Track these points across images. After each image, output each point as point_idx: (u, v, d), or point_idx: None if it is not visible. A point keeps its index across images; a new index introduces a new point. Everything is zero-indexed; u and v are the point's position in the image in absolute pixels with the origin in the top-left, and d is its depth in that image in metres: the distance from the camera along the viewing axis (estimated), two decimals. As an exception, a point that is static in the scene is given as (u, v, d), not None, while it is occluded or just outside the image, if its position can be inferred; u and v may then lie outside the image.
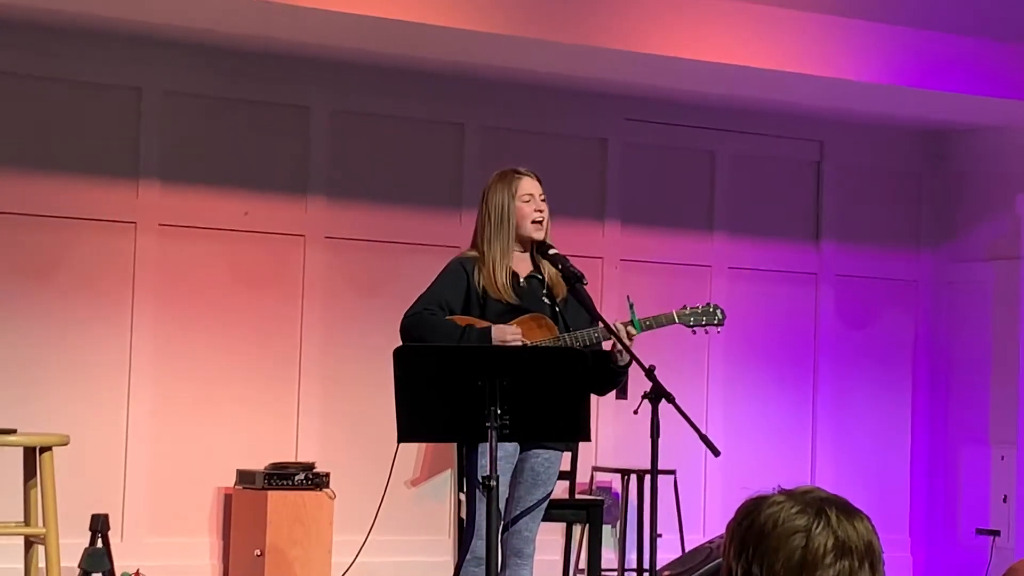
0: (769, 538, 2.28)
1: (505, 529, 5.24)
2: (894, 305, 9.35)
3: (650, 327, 5.38)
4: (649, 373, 4.96)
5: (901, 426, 9.33)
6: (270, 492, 7.23)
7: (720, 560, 4.34)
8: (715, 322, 5.54)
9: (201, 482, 7.56)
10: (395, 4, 6.92)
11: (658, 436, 5.02)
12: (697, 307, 5.54)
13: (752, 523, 2.31)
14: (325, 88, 7.87)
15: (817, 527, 2.28)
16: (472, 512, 5.18)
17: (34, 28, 7.21)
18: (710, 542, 6.98)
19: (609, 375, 5.30)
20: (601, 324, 5.25)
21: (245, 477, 7.40)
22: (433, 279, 5.42)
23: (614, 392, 5.81)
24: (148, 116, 7.53)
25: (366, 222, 7.98)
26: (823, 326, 9.13)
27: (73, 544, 6.58)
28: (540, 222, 5.39)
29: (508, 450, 5.18)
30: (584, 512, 6.60)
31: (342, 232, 7.93)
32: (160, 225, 7.54)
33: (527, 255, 5.43)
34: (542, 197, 5.42)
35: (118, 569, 6.82)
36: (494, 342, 5.14)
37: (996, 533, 8.86)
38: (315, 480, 7.34)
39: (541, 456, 5.29)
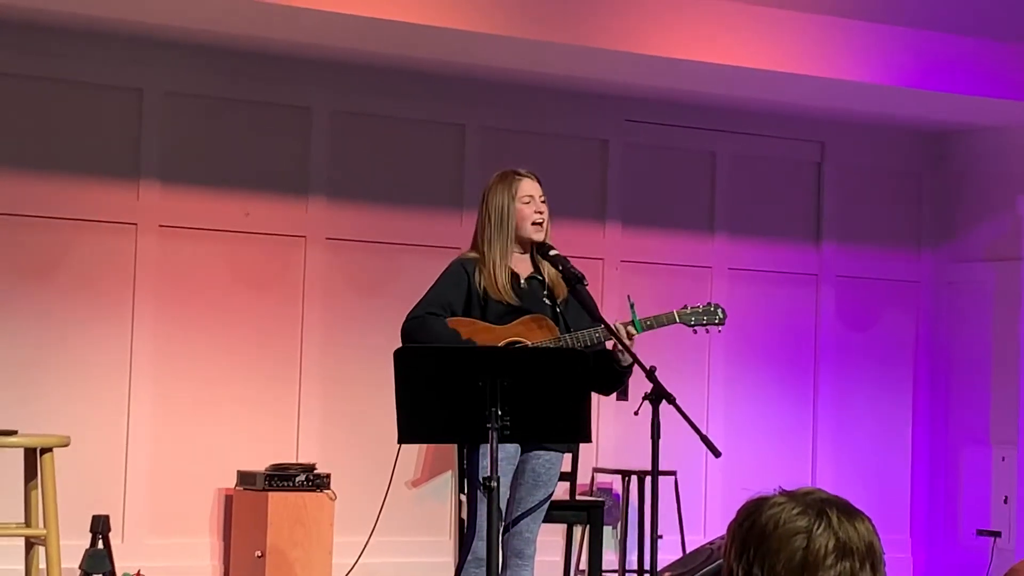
0: (770, 539, 2.28)
1: (506, 530, 5.24)
2: (895, 306, 9.35)
3: (651, 327, 5.38)
4: (650, 374, 4.96)
5: (902, 427, 9.33)
6: (271, 493, 7.23)
7: (721, 561, 4.34)
8: (716, 321, 5.54)
9: (202, 483, 7.56)
10: (396, 5, 6.92)
11: (659, 437, 5.02)
12: (698, 307, 5.55)
13: (753, 524, 2.31)
14: (326, 89, 7.87)
15: (818, 528, 2.27)
16: (473, 513, 5.18)
17: (34, 29, 7.21)
18: (711, 543, 6.98)
19: (613, 374, 5.31)
20: (602, 325, 5.25)
21: (246, 478, 7.40)
22: (434, 281, 5.42)
23: (614, 393, 5.81)
24: (149, 117, 7.53)
25: (367, 223, 7.98)
26: (823, 327, 9.13)
27: (74, 545, 6.58)
28: (540, 223, 5.39)
29: (509, 451, 5.18)
30: (585, 513, 6.60)
31: (343, 233, 7.93)
32: (161, 226, 7.54)
33: (527, 256, 5.43)
34: (542, 198, 5.42)
35: (119, 570, 6.82)
36: None
37: (997, 534, 8.85)
38: (316, 481, 7.34)
39: (542, 457, 5.30)
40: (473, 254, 5.41)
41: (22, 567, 6.24)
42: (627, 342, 5.21)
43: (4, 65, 7.23)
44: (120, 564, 6.87)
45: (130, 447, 7.44)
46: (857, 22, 7.92)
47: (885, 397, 9.28)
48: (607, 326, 5.23)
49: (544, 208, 5.42)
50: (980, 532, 8.94)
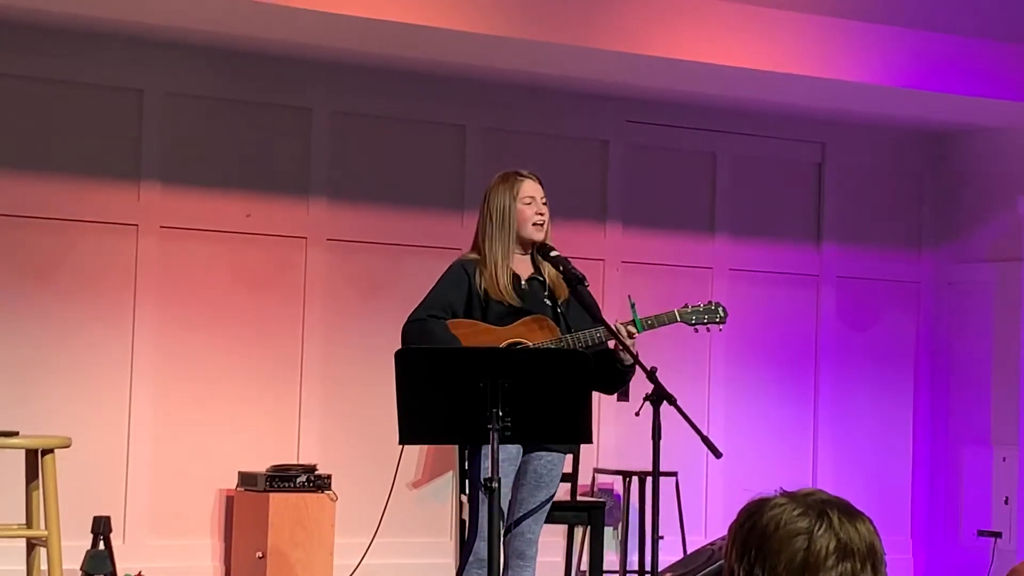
0: (771, 540, 2.28)
1: (508, 531, 5.24)
2: (895, 306, 9.35)
3: (652, 326, 5.38)
4: (651, 375, 4.96)
5: (902, 427, 9.33)
6: (272, 494, 7.23)
7: (722, 562, 4.34)
8: (717, 320, 5.53)
9: (203, 484, 7.56)
10: (396, 6, 6.93)
11: (659, 438, 5.02)
12: (699, 305, 5.54)
13: (754, 525, 2.31)
14: (327, 90, 7.87)
15: (819, 529, 2.28)
16: (474, 514, 5.19)
17: (35, 30, 7.21)
18: (712, 544, 6.97)
19: (616, 373, 5.31)
20: (603, 325, 5.25)
21: (247, 479, 7.40)
22: (435, 282, 5.42)
23: (615, 394, 5.82)
24: (149, 118, 7.53)
25: (368, 224, 7.98)
26: (824, 327, 9.13)
27: (75, 546, 6.58)
28: (541, 224, 5.39)
29: (511, 452, 5.18)
30: (586, 514, 6.60)
31: (344, 234, 7.93)
32: (161, 227, 7.54)
33: (528, 257, 5.44)
34: (543, 200, 5.43)
35: (120, 571, 6.82)
36: None
37: (997, 535, 8.85)
38: (317, 482, 7.34)
39: (544, 458, 5.30)
40: (474, 255, 5.41)
41: (23, 568, 6.24)
42: (628, 342, 5.21)
43: (4, 66, 7.23)
44: (121, 565, 6.87)
45: (131, 448, 7.44)
46: (857, 23, 7.92)
47: (886, 398, 9.28)
48: (608, 327, 5.23)
49: (545, 209, 5.42)
50: (981, 533, 8.94)
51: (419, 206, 8.08)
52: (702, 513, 8.63)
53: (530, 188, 5.41)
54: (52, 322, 7.31)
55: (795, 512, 2.29)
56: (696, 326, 5.54)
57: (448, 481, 7.97)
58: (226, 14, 6.92)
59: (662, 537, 5.60)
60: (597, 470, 8.27)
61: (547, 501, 5.32)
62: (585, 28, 7.33)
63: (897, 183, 9.40)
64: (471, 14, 7.08)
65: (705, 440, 4.92)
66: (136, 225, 7.49)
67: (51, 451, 5.87)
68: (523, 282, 5.38)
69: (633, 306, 5.32)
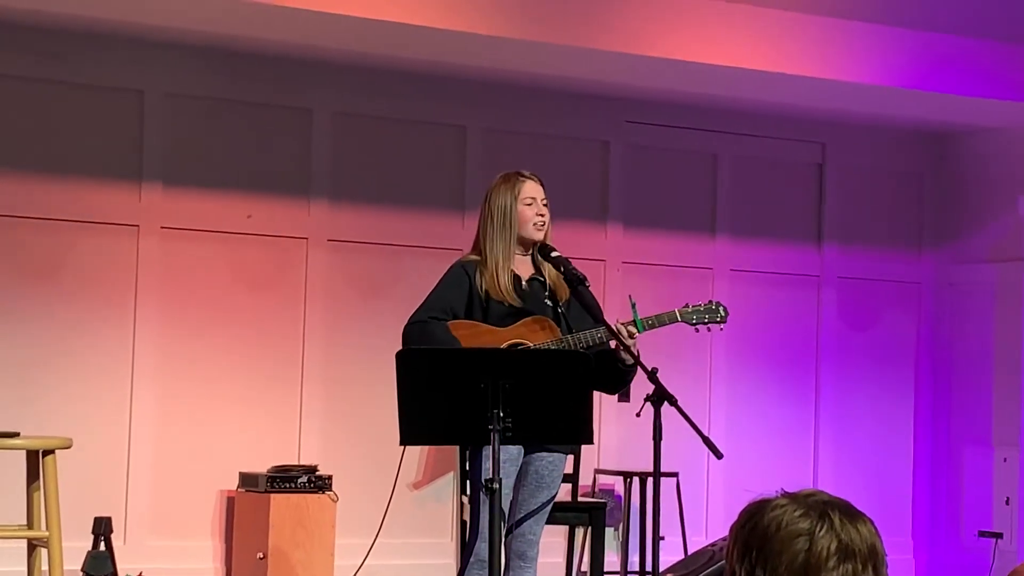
0: (772, 541, 2.28)
1: (509, 532, 5.24)
2: (896, 307, 9.35)
3: (653, 326, 5.38)
4: (652, 376, 4.96)
5: (903, 428, 9.33)
6: (272, 495, 7.23)
7: (723, 563, 4.34)
8: (718, 319, 5.53)
9: (203, 485, 7.56)
10: (397, 7, 6.93)
11: (660, 438, 5.02)
12: (700, 305, 5.54)
13: (755, 526, 2.31)
14: (327, 90, 7.87)
15: (820, 530, 2.28)
16: (475, 515, 5.19)
17: (36, 31, 7.21)
18: (713, 544, 6.97)
19: (617, 373, 5.30)
20: (604, 326, 5.25)
21: (247, 480, 7.40)
22: (435, 284, 5.42)
23: (616, 394, 5.82)
24: (150, 119, 7.53)
25: (369, 224, 7.98)
26: (825, 328, 9.13)
27: (76, 547, 6.58)
28: (542, 225, 5.39)
29: (512, 453, 5.18)
30: (587, 515, 6.60)
31: (345, 235, 7.93)
32: (162, 228, 7.54)
33: (529, 258, 5.44)
34: (544, 201, 5.43)
35: (121, 572, 6.82)
36: None
37: (999, 535, 8.85)
38: (317, 483, 7.34)
39: (545, 459, 5.30)
40: (474, 256, 5.41)
41: (24, 569, 6.24)
42: (629, 342, 5.21)
43: (5, 67, 7.23)
44: (122, 566, 6.87)
45: (132, 449, 7.44)
46: (858, 23, 7.92)
47: (887, 398, 9.28)
48: (608, 327, 5.23)
49: (546, 210, 5.42)
50: (982, 533, 8.94)
51: (420, 207, 8.08)
52: (703, 514, 8.63)
53: (531, 189, 5.41)
54: (53, 323, 7.31)
55: (796, 513, 2.29)
56: (697, 326, 5.54)
57: (449, 482, 7.97)
58: (227, 15, 6.92)
59: (663, 538, 5.60)
60: (598, 471, 8.26)
61: (548, 502, 5.32)
62: (585, 29, 7.33)
63: (898, 184, 9.40)
64: (471, 15, 7.08)
65: (706, 441, 4.92)
66: (137, 226, 7.49)
67: (52, 452, 5.86)
68: (524, 283, 5.38)
69: (634, 306, 5.31)
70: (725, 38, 7.62)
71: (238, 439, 7.62)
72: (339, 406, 7.86)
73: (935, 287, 9.41)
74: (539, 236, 5.39)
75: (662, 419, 5.00)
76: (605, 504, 6.81)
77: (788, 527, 2.28)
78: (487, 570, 4.76)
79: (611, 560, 7.86)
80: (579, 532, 7.53)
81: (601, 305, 5.55)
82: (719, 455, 4.93)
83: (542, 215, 5.40)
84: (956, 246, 9.35)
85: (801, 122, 8.97)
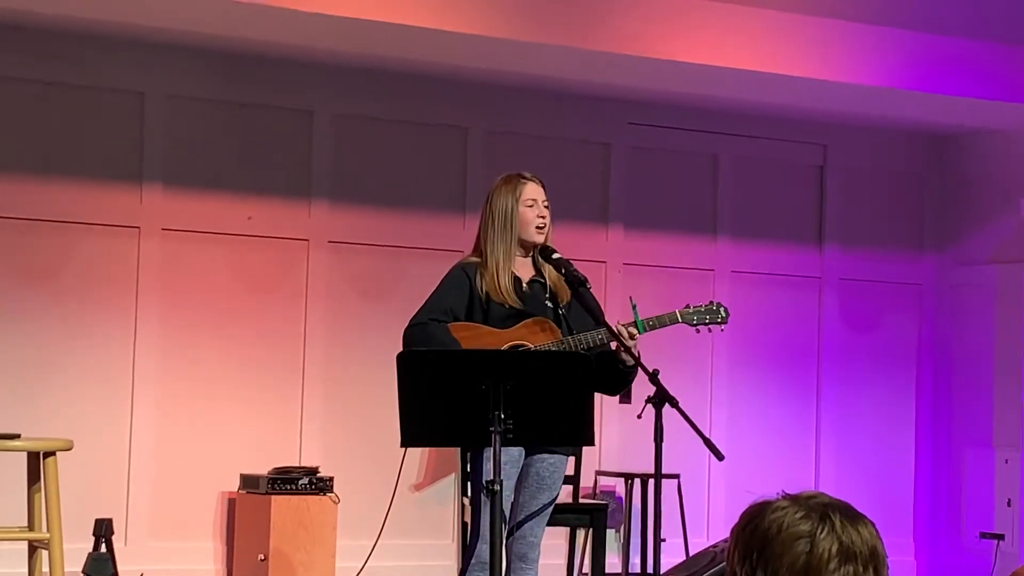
0: (773, 543, 2.28)
1: (510, 534, 5.24)
2: (897, 309, 9.35)
3: (653, 327, 5.38)
4: (653, 377, 4.96)
5: (905, 430, 9.33)
6: (274, 496, 7.23)
7: (724, 564, 4.33)
8: (719, 320, 5.53)
9: (205, 486, 7.56)
10: (398, 8, 6.92)
11: (662, 440, 5.02)
12: (700, 306, 5.54)
13: (756, 528, 2.31)
14: (328, 92, 7.87)
15: (821, 532, 2.27)
16: (476, 517, 5.18)
17: (37, 32, 7.21)
18: (714, 546, 6.97)
19: (618, 374, 5.30)
20: (604, 327, 5.25)
21: (249, 481, 7.40)
22: (435, 286, 5.42)
23: (617, 396, 5.81)
24: (151, 120, 7.53)
25: (369, 226, 7.98)
26: (826, 330, 9.13)
27: (77, 549, 6.57)
28: (543, 227, 5.39)
29: (513, 455, 5.18)
30: (588, 516, 6.60)
31: (345, 236, 7.93)
32: (163, 229, 7.54)
33: (529, 260, 5.43)
34: (545, 203, 5.43)
35: (122, 574, 6.81)
36: None
37: (1000, 537, 8.85)
38: (319, 484, 7.34)
39: (546, 461, 5.29)
40: (474, 258, 5.41)
41: (25, 570, 6.24)
42: (629, 343, 5.21)
43: (6, 68, 7.23)
44: (123, 568, 6.86)
45: (133, 450, 7.44)
46: (859, 25, 7.92)
47: (888, 400, 9.28)
48: (609, 328, 5.22)
49: (547, 212, 5.42)
50: (983, 535, 8.93)
51: (421, 208, 8.08)
52: (704, 515, 8.62)
53: (532, 190, 5.41)
54: (54, 324, 7.31)
55: (797, 515, 2.29)
56: (697, 327, 5.53)
57: (450, 483, 7.97)
58: (228, 17, 6.92)
59: (664, 539, 5.59)
60: (599, 472, 8.26)
61: (549, 504, 5.32)
62: (587, 31, 7.33)
63: (899, 185, 9.40)
64: (472, 17, 7.08)
65: (707, 442, 4.92)
66: (138, 227, 7.49)
67: (53, 453, 5.86)
68: (524, 284, 5.38)
69: (634, 307, 5.31)
70: (726, 40, 7.62)
71: (239, 441, 7.62)
72: (340, 407, 7.86)
73: (936, 288, 9.41)
74: (540, 238, 5.39)
75: (663, 420, 5.00)
76: (606, 506, 6.81)
77: (789, 529, 2.28)
78: (488, 572, 4.76)
79: (612, 562, 7.85)
80: (580, 534, 7.53)
81: (602, 307, 5.55)
82: (720, 457, 4.93)
83: (543, 217, 5.39)
84: (957, 247, 9.35)
85: (802, 123, 8.97)
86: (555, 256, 5.33)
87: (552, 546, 7.06)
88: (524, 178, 5.43)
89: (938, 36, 8.09)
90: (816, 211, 9.17)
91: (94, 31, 7.23)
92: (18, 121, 7.30)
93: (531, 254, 5.42)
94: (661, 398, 4.96)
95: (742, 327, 8.54)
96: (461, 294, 5.33)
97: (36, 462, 5.94)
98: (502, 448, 4.65)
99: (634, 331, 5.27)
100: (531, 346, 5.26)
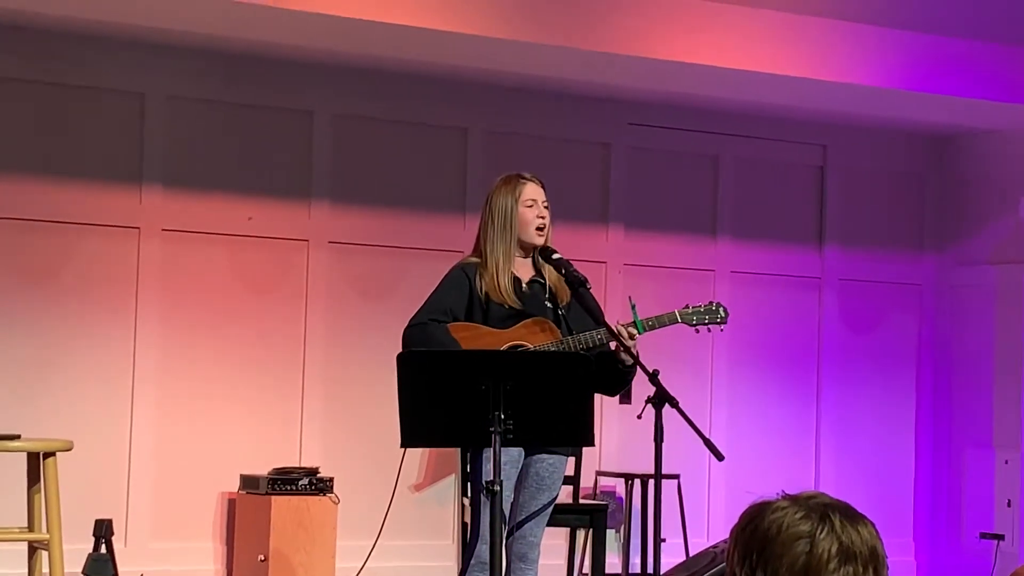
0: (773, 544, 2.28)
1: (510, 534, 5.23)
2: (897, 309, 9.35)
3: (653, 327, 5.37)
4: (653, 377, 4.96)
5: (905, 430, 9.33)
6: (274, 497, 7.23)
7: (724, 565, 4.33)
8: (718, 320, 5.53)
9: (205, 487, 7.56)
10: (398, 9, 6.92)
11: (662, 440, 5.02)
12: (700, 306, 5.54)
13: (756, 528, 2.30)
14: (328, 93, 7.87)
15: (821, 533, 2.27)
16: (476, 517, 5.18)
17: (37, 33, 7.21)
18: (714, 546, 6.97)
19: (617, 374, 5.30)
20: (604, 327, 5.25)
21: (249, 482, 7.40)
22: (435, 286, 5.41)
23: (617, 396, 5.81)
24: (151, 121, 7.53)
25: (370, 227, 7.98)
26: (826, 330, 9.13)
27: (77, 550, 6.57)
28: (543, 228, 5.39)
29: (513, 455, 5.18)
30: (588, 517, 6.60)
31: (346, 237, 7.93)
32: (163, 230, 7.54)
33: (529, 260, 5.43)
34: (545, 204, 5.42)
35: (122, 574, 6.82)
36: None
37: (1000, 537, 8.85)
38: (319, 485, 7.34)
39: (546, 461, 5.29)
40: (474, 259, 5.41)
41: (25, 571, 6.24)
42: (629, 343, 5.21)
43: (6, 69, 7.24)
44: (123, 568, 6.86)
45: (133, 451, 7.44)
46: (859, 25, 7.92)
47: (888, 400, 9.28)
48: (609, 328, 5.22)
49: (547, 212, 5.42)
50: (983, 535, 8.93)
51: (421, 209, 8.08)
52: (704, 516, 8.62)
53: (532, 191, 5.41)
54: (54, 325, 7.31)
55: (797, 516, 2.29)
56: (697, 327, 5.53)
57: (450, 484, 7.97)
58: (228, 18, 6.92)
59: (664, 540, 5.59)
60: (599, 473, 8.26)
61: (549, 504, 5.32)
62: (587, 31, 7.33)
63: (898, 185, 9.40)
64: (472, 17, 7.08)
65: (707, 443, 4.92)
66: (138, 228, 7.49)
67: (53, 454, 5.86)
68: (524, 285, 5.38)
69: (634, 307, 5.31)
70: (726, 40, 7.62)
71: (239, 441, 7.62)
72: (340, 408, 7.86)
73: (936, 289, 9.41)
74: (540, 239, 5.39)
75: (663, 421, 5.00)
76: (606, 506, 6.81)
77: (789, 530, 2.28)
78: (488, 572, 4.76)
79: (612, 562, 7.85)
80: (580, 534, 7.53)
81: (602, 307, 5.55)
82: (720, 457, 4.93)
83: (543, 217, 5.39)
84: (957, 248, 9.35)
85: (802, 124, 8.97)
86: (555, 256, 5.33)
87: (552, 546, 7.07)
88: (524, 178, 5.43)
89: (938, 36, 8.09)
90: (816, 211, 9.17)
91: (94, 32, 7.23)
92: (18, 121, 7.30)
93: (531, 254, 5.42)
94: (661, 398, 4.96)
95: (742, 327, 8.54)
96: (461, 294, 5.33)
97: (36, 463, 5.94)
98: (502, 448, 4.65)
99: (634, 331, 5.26)
100: (530, 346, 5.26)
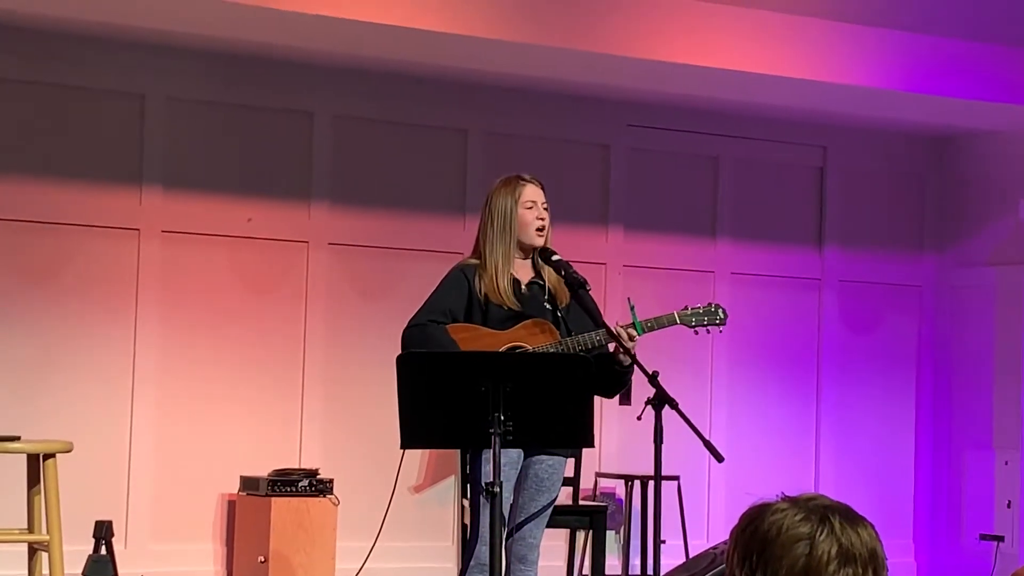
0: (773, 545, 2.28)
1: (509, 535, 5.23)
2: (897, 310, 9.35)
3: (652, 328, 5.37)
4: (653, 379, 4.96)
5: (905, 431, 9.33)
6: (274, 498, 7.23)
7: (724, 566, 4.33)
8: (717, 322, 5.53)
9: (205, 488, 7.56)
10: (397, 11, 6.92)
11: (662, 442, 5.02)
12: (699, 307, 5.54)
13: (756, 530, 2.31)
14: (328, 94, 7.87)
15: (821, 534, 2.27)
16: (476, 518, 5.18)
17: (37, 34, 7.22)
18: (714, 548, 6.97)
19: (614, 376, 5.30)
20: (603, 329, 5.25)
21: (249, 483, 7.40)
22: (434, 288, 5.41)
23: (617, 397, 5.81)
24: (151, 122, 7.53)
25: (369, 228, 7.98)
26: (826, 331, 9.13)
27: (77, 551, 6.58)
28: (542, 229, 5.39)
29: (512, 456, 5.18)
30: (588, 518, 6.60)
31: (345, 238, 7.93)
32: (163, 231, 7.54)
33: (528, 261, 5.43)
34: (544, 205, 5.42)
35: (122, 576, 6.82)
36: None
37: (1000, 538, 8.85)
38: (319, 486, 7.34)
39: (545, 462, 5.29)
40: (473, 260, 5.41)
41: (25, 573, 6.23)
42: (629, 345, 5.20)
43: (6, 70, 7.24)
44: (123, 570, 6.87)
45: (133, 452, 7.44)
46: (858, 26, 7.92)
47: (888, 401, 9.28)
48: (608, 330, 5.22)
49: (546, 214, 5.42)
50: (983, 536, 8.93)
51: (421, 210, 8.08)
52: (704, 517, 8.62)
53: (532, 192, 5.41)
54: (54, 326, 7.31)
55: (797, 517, 2.29)
56: (696, 328, 5.53)
57: (450, 485, 7.97)
58: (228, 19, 6.92)
59: (664, 541, 5.59)
60: (599, 474, 8.26)
61: (548, 505, 5.32)
62: (586, 32, 7.33)
63: (898, 187, 9.40)
64: (472, 18, 7.08)
65: (707, 444, 4.92)
66: (138, 229, 7.49)
67: (53, 455, 5.86)
68: (523, 286, 5.38)
69: (632, 308, 5.31)
70: (726, 41, 7.62)
71: (239, 442, 7.62)
72: (340, 409, 7.86)
73: (936, 290, 9.41)
74: (539, 240, 5.39)
75: (663, 422, 5.00)
76: (606, 507, 6.81)
77: (788, 531, 2.28)
78: (487, 573, 4.76)
79: (612, 564, 7.85)
80: (580, 535, 7.53)
81: (602, 309, 5.55)
82: (720, 458, 4.93)
83: (542, 219, 5.39)
84: (957, 249, 9.35)
85: (802, 125, 8.97)
86: (555, 258, 5.33)
87: (552, 547, 7.07)
88: (523, 180, 5.43)
89: (937, 38, 8.09)
90: (816, 212, 9.17)
91: (94, 33, 7.23)
92: (18, 123, 7.30)
93: (531, 256, 5.42)
94: (661, 400, 4.95)
95: (742, 329, 8.55)
96: (460, 295, 5.33)
97: (36, 464, 5.94)
98: (501, 450, 4.65)
99: (633, 332, 5.26)
100: (529, 348, 5.26)
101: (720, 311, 5.54)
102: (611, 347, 5.31)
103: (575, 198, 8.28)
